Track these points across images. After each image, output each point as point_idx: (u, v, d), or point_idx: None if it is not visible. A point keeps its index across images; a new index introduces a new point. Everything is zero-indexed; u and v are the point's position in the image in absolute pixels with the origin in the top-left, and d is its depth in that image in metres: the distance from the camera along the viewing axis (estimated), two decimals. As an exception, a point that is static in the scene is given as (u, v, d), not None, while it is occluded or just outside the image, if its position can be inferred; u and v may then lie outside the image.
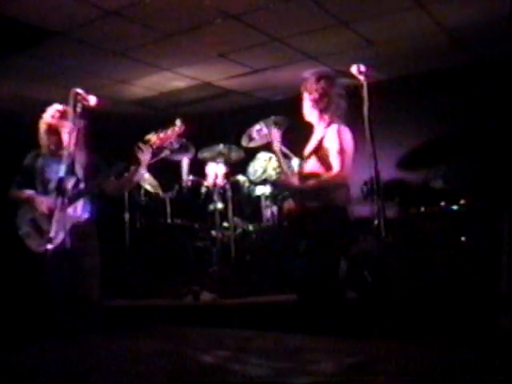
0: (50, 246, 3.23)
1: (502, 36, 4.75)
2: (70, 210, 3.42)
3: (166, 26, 4.56)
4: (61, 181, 3.16)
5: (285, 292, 4.49)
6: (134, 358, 2.14)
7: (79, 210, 3.53)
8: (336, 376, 1.74)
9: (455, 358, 1.94)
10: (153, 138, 3.54)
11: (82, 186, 3.55)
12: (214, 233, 5.08)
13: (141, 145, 3.52)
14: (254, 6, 4.26)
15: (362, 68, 2.81)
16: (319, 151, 3.28)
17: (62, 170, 3.11)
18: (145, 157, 3.53)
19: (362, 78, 2.78)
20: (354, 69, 2.81)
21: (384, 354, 2.06)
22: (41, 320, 3.49)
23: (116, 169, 3.68)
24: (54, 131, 3.55)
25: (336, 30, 4.74)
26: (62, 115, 3.54)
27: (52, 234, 3.30)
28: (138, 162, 3.54)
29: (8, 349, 2.70)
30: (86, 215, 3.57)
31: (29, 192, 3.56)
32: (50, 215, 3.38)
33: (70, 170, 3.48)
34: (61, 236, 3.34)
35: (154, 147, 3.54)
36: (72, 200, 3.44)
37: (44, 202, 3.48)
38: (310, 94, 3.34)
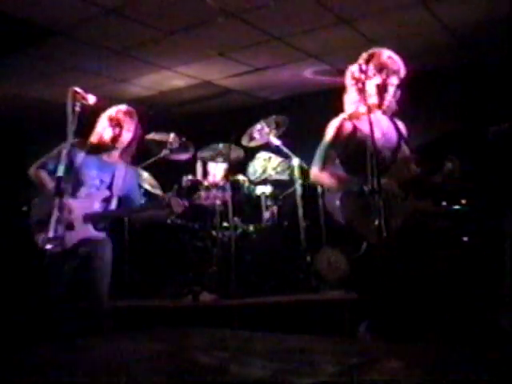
0: (49, 246, 3.20)
1: (505, 35, 4.74)
2: (89, 225, 3.35)
3: (166, 24, 4.56)
4: (59, 181, 3.12)
5: (285, 292, 4.49)
6: (133, 359, 2.12)
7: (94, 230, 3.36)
8: (336, 376, 1.73)
9: (456, 357, 1.93)
10: (200, 195, 3.49)
11: (114, 206, 3.44)
12: (214, 233, 5.06)
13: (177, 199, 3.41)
14: (254, 4, 4.25)
15: (364, 67, 2.80)
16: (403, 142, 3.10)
17: (60, 170, 3.07)
18: (178, 209, 3.41)
19: (363, 76, 2.76)
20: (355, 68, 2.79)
21: (384, 354, 2.05)
22: (41, 321, 3.48)
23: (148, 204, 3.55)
24: (114, 125, 3.41)
25: (337, 28, 4.73)
26: (127, 114, 3.45)
27: (51, 234, 3.25)
28: (170, 211, 3.42)
29: (8, 349, 2.69)
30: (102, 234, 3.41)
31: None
32: (72, 221, 3.30)
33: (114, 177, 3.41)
34: (60, 237, 3.29)
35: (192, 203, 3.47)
36: (100, 220, 3.37)
37: (72, 209, 3.32)
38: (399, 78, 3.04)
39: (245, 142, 5.28)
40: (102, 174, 3.42)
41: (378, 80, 2.97)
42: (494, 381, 1.59)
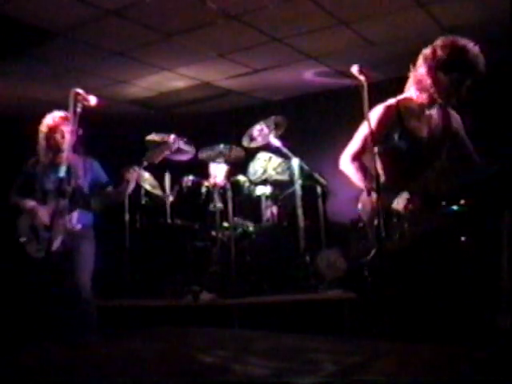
0: (47, 252, 3.30)
1: (503, 36, 4.76)
2: (67, 218, 3.44)
3: (166, 26, 4.57)
4: (61, 182, 3.16)
5: (284, 292, 4.51)
6: (133, 359, 2.14)
7: (75, 219, 3.53)
8: (336, 376, 1.74)
9: (455, 357, 1.94)
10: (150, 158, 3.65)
11: (81, 193, 3.56)
12: (213, 233, 5.08)
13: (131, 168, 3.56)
14: (253, 5, 4.26)
15: (362, 68, 2.80)
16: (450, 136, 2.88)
17: (62, 171, 3.11)
18: (134, 177, 3.58)
19: (362, 78, 2.76)
20: (354, 69, 2.80)
21: (384, 354, 2.06)
22: (40, 321, 3.50)
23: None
24: (53, 134, 3.57)
25: (336, 30, 4.74)
26: (64, 119, 3.56)
27: (50, 241, 3.35)
28: (127, 182, 3.58)
29: (7, 349, 2.71)
30: (81, 224, 3.56)
31: (30, 203, 3.61)
32: (48, 224, 3.44)
33: (71, 174, 3.49)
34: (58, 242, 3.37)
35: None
36: (72, 207, 3.45)
37: (45, 214, 3.52)
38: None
39: (245, 143, 5.30)
40: (64, 169, 3.34)
41: (453, 77, 2.67)
42: (493, 380, 1.61)
